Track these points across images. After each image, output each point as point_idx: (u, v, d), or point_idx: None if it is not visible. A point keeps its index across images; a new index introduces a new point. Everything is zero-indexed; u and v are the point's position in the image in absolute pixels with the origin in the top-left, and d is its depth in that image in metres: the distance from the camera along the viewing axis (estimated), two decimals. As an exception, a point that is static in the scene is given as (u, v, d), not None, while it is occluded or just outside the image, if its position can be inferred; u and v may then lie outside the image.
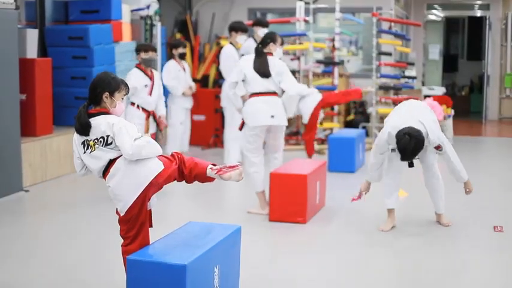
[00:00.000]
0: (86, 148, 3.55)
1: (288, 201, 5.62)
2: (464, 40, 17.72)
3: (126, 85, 3.65)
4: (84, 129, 3.51)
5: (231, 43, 8.35)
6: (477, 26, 16.34)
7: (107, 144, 3.50)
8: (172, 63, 8.29)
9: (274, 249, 5.08)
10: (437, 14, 16.41)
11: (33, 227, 5.73)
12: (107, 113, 3.55)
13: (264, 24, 8.39)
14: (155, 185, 3.54)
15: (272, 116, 5.89)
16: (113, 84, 3.57)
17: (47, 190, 7.04)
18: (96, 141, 3.51)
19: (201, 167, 3.66)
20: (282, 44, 6.16)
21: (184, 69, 8.40)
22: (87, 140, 3.54)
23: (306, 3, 10.30)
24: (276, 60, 5.98)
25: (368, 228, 5.60)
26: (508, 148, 10.63)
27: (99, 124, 3.50)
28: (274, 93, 5.97)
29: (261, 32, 7.89)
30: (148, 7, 9.56)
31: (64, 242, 5.17)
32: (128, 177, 3.49)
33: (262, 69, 5.90)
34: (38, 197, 6.75)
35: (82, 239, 5.27)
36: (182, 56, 8.39)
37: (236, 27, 8.38)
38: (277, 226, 5.58)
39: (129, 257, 3.37)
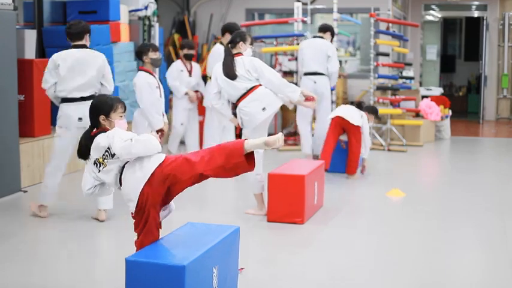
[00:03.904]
0: (98, 166, 3.68)
1: (286, 202, 5.62)
2: (461, 40, 17.76)
3: (122, 103, 3.79)
4: (81, 155, 3.70)
5: (221, 43, 8.03)
6: (474, 26, 16.37)
7: (112, 156, 3.62)
8: (175, 64, 8.37)
9: (272, 250, 5.08)
10: (434, 15, 16.44)
11: (31, 228, 5.73)
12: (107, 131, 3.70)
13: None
14: (159, 182, 3.55)
15: (263, 109, 5.64)
16: (107, 106, 3.72)
17: (45, 191, 7.03)
18: (104, 157, 3.64)
19: (237, 152, 3.51)
20: (252, 43, 5.87)
21: (189, 70, 8.38)
22: (97, 159, 3.66)
23: (304, 3, 10.31)
24: (246, 58, 5.68)
25: (366, 228, 5.61)
26: (505, 148, 10.65)
27: (99, 142, 3.63)
28: (253, 88, 5.66)
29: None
30: (146, 8, 9.58)
31: (62, 242, 5.18)
32: (132, 176, 3.58)
33: (230, 71, 5.64)
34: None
35: (81, 239, 5.28)
36: (188, 57, 8.39)
37: (230, 28, 8.24)
38: (275, 227, 5.59)
39: (127, 257, 3.38)
